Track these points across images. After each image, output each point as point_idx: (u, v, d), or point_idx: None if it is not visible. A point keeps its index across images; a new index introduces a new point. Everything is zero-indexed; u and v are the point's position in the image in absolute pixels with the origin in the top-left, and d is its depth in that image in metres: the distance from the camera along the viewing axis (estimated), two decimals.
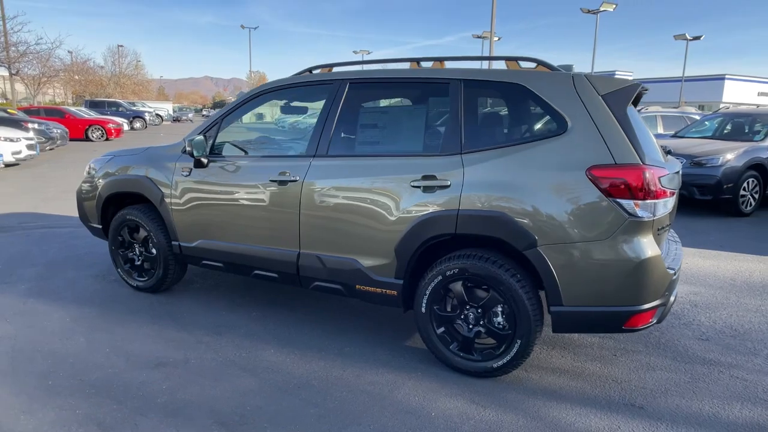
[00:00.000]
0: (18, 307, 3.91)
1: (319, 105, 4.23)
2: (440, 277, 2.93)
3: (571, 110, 2.68)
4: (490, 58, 3.04)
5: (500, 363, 2.85)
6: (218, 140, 3.78)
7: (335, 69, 3.52)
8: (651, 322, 2.65)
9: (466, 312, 2.93)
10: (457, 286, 2.91)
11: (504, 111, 3.02)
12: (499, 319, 2.86)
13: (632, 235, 2.54)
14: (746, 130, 9.13)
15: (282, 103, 3.98)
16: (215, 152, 3.76)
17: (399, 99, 3.52)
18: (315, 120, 3.38)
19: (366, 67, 3.48)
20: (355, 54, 52.25)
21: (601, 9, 29.09)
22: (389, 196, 3.02)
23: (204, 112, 73.57)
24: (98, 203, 4.32)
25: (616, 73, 46.57)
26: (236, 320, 3.73)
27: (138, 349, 3.27)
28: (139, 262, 4.23)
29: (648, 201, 2.51)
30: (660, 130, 11.79)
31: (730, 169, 7.61)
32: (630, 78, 45.18)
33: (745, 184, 7.80)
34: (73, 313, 3.81)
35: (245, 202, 3.54)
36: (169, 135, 26.01)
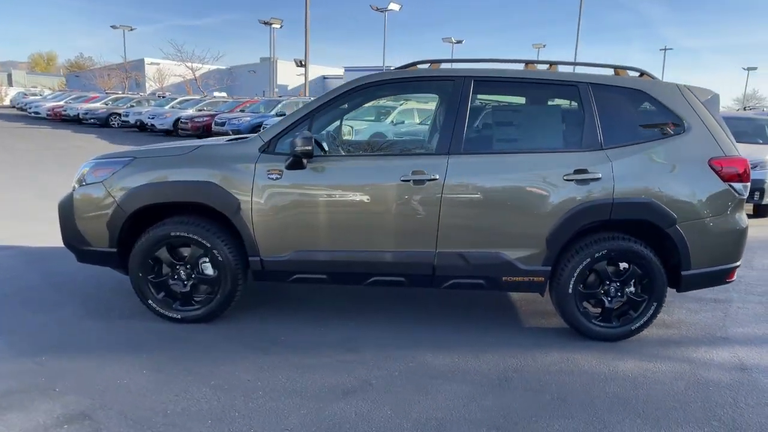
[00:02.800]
0: (39, 371, 2.87)
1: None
2: (588, 260, 3.30)
3: (686, 113, 3.34)
4: (601, 65, 3.51)
5: (638, 324, 3.39)
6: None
7: (443, 65, 3.51)
8: (736, 273, 3.52)
9: (606, 287, 3.38)
10: (602, 266, 3.34)
11: (629, 112, 3.50)
12: (632, 288, 3.39)
13: (739, 210, 3.34)
14: None
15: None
16: None
17: (526, 98, 3.68)
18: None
19: (470, 65, 3.55)
20: (114, 29, 45.56)
21: (389, 8, 31.77)
22: (541, 189, 3.25)
23: None
24: (116, 220, 3.36)
25: (392, 68, 50.82)
26: (342, 334, 3.44)
27: (292, 384, 2.81)
28: (185, 289, 3.46)
29: (747, 184, 3.34)
30: (416, 120, 13.49)
31: None
32: None
33: None
34: (136, 364, 2.97)
35: (366, 205, 3.29)
36: None
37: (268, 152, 3.35)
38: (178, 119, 20.53)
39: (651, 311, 3.38)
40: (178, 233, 3.35)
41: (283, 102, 18.03)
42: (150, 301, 3.47)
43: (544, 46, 44.88)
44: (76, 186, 3.48)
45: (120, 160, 3.45)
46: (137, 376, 2.84)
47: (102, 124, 24.88)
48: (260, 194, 3.30)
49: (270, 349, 3.19)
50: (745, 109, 28.72)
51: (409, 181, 3.25)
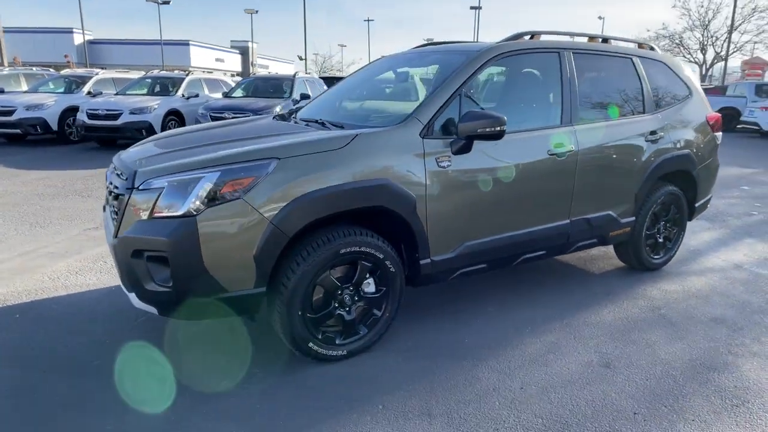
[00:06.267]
0: None
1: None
2: (653, 206, 3.98)
3: (688, 81, 4.26)
4: (628, 40, 4.12)
5: (674, 252, 4.29)
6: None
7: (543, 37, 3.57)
8: None
9: (659, 226, 4.13)
10: (659, 209, 4.06)
11: (662, 80, 4.14)
12: (670, 224, 4.23)
13: (717, 154, 4.47)
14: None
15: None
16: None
17: (602, 70, 3.86)
18: None
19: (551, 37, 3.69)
20: None
21: None
22: (633, 151, 3.73)
23: None
24: (271, 246, 2.41)
25: (73, 30, 42.98)
26: (504, 322, 3.32)
27: (558, 377, 2.68)
28: (351, 316, 2.76)
29: (721, 133, 4.47)
30: (206, 92, 12.85)
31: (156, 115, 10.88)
32: (89, 36, 42.32)
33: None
34: (393, 417, 2.34)
35: (523, 183, 3.20)
36: None
37: (429, 136, 2.88)
38: None
39: (680, 239, 4.31)
40: (349, 249, 2.62)
41: (97, 77, 13.38)
42: (311, 345, 2.65)
43: (257, 11, 44.35)
44: (197, 207, 2.31)
45: (257, 163, 2.43)
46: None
47: None
48: (433, 186, 2.84)
49: (479, 355, 2.88)
50: None
51: (554, 154, 3.29)
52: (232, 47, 52.11)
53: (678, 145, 4.00)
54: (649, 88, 3.94)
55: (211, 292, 2.38)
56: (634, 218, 3.87)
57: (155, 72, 13.87)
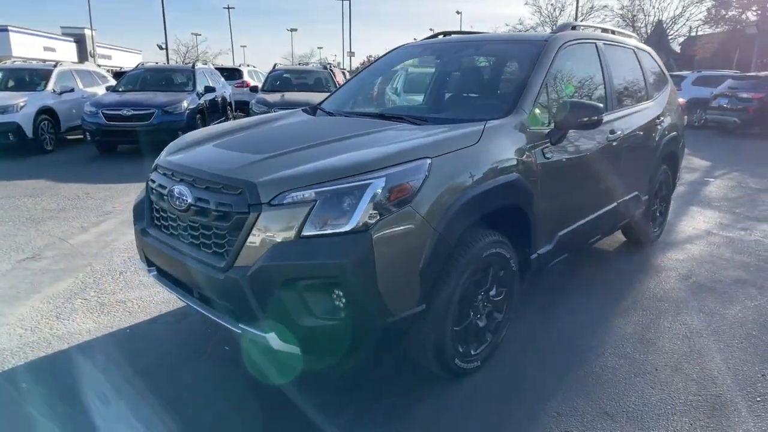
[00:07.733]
0: None
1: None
2: (657, 183, 4.33)
3: (665, 69, 4.68)
4: (627, 34, 4.34)
5: (664, 225, 4.72)
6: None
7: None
8: None
9: (656, 202, 4.51)
10: (658, 187, 4.42)
11: (650, 69, 4.42)
12: (661, 201, 4.64)
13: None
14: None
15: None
16: None
17: (615, 60, 3.92)
18: None
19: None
20: None
21: None
22: (651, 134, 4.01)
23: None
24: (437, 259, 2.14)
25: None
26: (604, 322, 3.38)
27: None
28: (483, 323, 2.57)
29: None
30: (80, 86, 10.90)
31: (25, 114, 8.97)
32: None
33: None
34: None
35: (595, 169, 3.26)
36: None
37: (531, 128, 2.76)
38: None
39: (668, 213, 4.76)
40: (488, 252, 2.42)
41: None
42: (457, 361, 2.42)
43: None
44: (368, 220, 1.93)
45: (415, 164, 2.10)
46: None
47: None
48: (542, 178, 2.74)
49: (591, 344, 2.89)
50: (299, 64, 34.89)
51: (611, 140, 3.39)
52: (64, 34, 45.39)
53: (670, 128, 4.39)
54: (648, 76, 4.25)
55: (379, 318, 2.03)
56: (647, 197, 4.17)
57: (7, 63, 11.57)
